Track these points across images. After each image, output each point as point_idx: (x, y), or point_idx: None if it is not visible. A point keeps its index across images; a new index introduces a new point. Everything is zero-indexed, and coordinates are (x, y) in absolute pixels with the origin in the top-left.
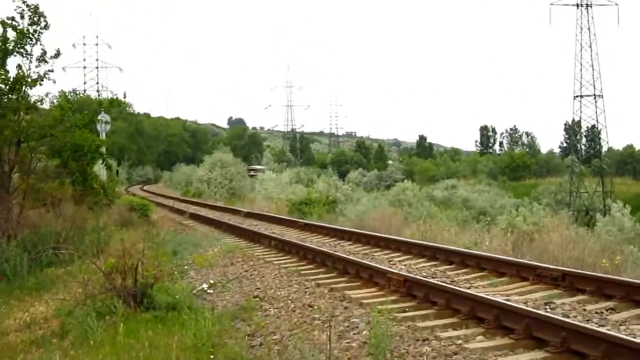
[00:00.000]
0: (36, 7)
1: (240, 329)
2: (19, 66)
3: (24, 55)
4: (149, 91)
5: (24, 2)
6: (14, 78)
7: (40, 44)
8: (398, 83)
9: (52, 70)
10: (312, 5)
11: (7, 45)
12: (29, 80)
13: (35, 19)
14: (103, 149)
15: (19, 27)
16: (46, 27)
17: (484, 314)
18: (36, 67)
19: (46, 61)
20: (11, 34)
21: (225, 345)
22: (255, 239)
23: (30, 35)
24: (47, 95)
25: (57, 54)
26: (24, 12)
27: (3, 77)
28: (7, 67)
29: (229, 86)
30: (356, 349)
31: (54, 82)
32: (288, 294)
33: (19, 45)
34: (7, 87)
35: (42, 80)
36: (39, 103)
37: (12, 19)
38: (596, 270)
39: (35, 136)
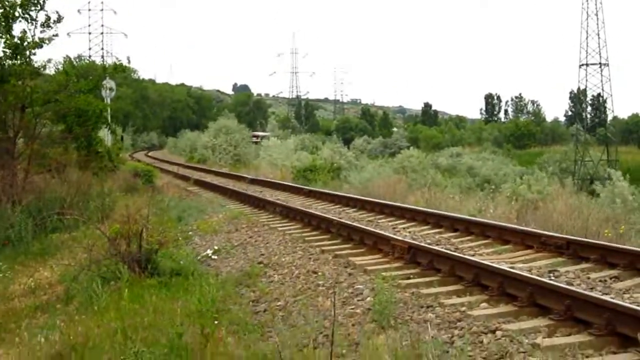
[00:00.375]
0: None
1: (244, 295)
2: (24, 31)
3: (29, 20)
4: (153, 57)
5: None
6: (16, 42)
7: (45, 10)
8: (403, 50)
9: (56, 35)
10: None
11: (13, 10)
12: (30, 42)
13: None
14: (107, 114)
15: None
16: None
17: (488, 281)
18: (41, 32)
19: (50, 26)
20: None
21: (230, 311)
22: (260, 205)
23: (35, 1)
24: (49, 61)
25: (59, 18)
26: None
27: (8, 42)
28: (13, 33)
29: (234, 52)
30: (360, 315)
31: (50, 41)
32: (292, 260)
33: (24, 11)
34: (11, 52)
35: (44, 43)
36: (42, 69)
37: None
38: (600, 238)
39: (39, 102)
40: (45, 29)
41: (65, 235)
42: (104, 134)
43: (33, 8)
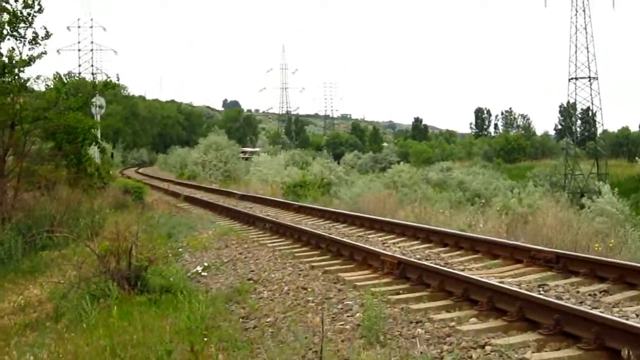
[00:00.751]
0: None
1: (234, 312)
2: (12, 49)
3: (17, 38)
4: (143, 74)
5: None
6: (4, 61)
7: (33, 27)
8: (393, 65)
9: (45, 53)
10: None
11: (1, 28)
12: (19, 60)
13: (29, 1)
14: (97, 132)
15: (12, 10)
16: (40, 10)
17: (478, 296)
18: (29, 49)
19: (39, 43)
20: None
21: (219, 328)
22: (250, 221)
23: (24, 18)
24: (38, 77)
25: (47, 35)
26: None
27: None
28: (1, 51)
29: (224, 68)
30: (349, 331)
31: (39, 58)
32: (282, 277)
33: (12, 29)
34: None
35: (33, 62)
36: (28, 83)
37: (6, 1)
38: (590, 252)
39: (29, 119)
40: (33, 46)
41: (55, 253)
42: (94, 151)
43: (22, 25)
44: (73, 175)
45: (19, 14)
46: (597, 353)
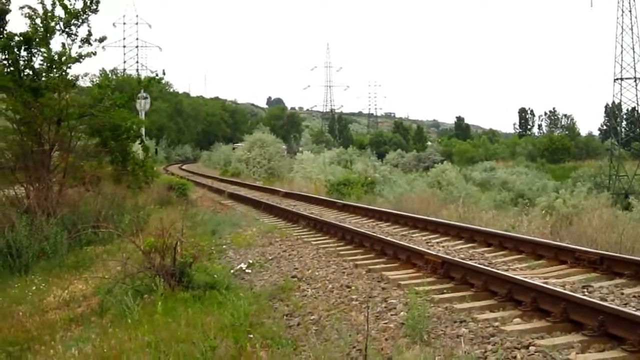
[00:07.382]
0: None
1: (278, 309)
2: (63, 45)
3: (69, 35)
4: (188, 70)
5: None
6: (53, 57)
7: (88, 26)
8: (437, 64)
9: (94, 53)
10: None
11: (54, 24)
12: (67, 58)
13: (89, 1)
14: (142, 129)
15: (69, 8)
16: (96, 10)
17: (522, 296)
18: (79, 47)
19: (90, 43)
20: (59, 12)
21: (263, 325)
22: (294, 219)
23: (80, 17)
24: (85, 75)
25: (102, 39)
26: None
27: (46, 55)
28: (51, 47)
29: (268, 66)
30: (393, 329)
31: (89, 57)
32: (326, 275)
33: (66, 26)
34: (48, 66)
35: (81, 60)
36: (75, 80)
37: None
38: (635, 254)
39: (74, 115)
40: (84, 45)
41: (100, 248)
42: (138, 147)
43: (74, 23)
44: (118, 172)
45: (75, 12)
46: None
